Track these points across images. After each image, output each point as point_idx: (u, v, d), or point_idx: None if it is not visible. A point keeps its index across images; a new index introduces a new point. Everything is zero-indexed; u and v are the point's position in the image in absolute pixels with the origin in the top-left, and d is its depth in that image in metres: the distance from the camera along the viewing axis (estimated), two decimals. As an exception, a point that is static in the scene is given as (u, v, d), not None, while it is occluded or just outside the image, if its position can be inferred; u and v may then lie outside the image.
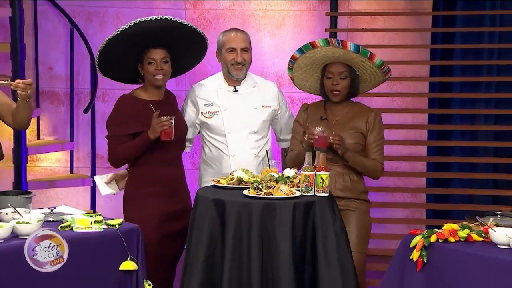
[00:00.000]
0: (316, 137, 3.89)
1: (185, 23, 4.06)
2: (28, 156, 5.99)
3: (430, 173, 6.17)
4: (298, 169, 3.94)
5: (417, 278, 3.25)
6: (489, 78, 5.99)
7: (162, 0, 6.64)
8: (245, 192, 3.66)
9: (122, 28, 3.95)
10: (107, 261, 3.38)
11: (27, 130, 5.68)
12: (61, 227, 3.33)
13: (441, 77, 6.16)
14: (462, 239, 3.21)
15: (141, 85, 4.19)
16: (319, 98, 4.30)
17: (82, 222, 3.39)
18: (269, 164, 4.10)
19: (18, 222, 3.19)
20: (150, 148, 4.01)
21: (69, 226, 3.36)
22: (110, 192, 4.25)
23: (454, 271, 3.13)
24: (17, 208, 3.37)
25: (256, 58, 6.10)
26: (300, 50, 4.14)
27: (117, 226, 3.43)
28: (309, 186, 3.66)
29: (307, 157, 3.72)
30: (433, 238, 3.21)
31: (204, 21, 6.63)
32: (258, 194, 3.59)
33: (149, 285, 3.48)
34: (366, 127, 4.11)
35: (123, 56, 4.08)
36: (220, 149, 4.36)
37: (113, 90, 6.40)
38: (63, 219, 3.48)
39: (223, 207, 3.56)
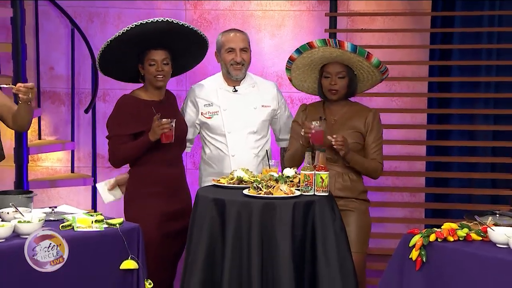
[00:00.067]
0: (313, 131, 3.91)
1: (186, 25, 4.06)
2: (30, 156, 6.01)
3: (429, 173, 6.18)
4: (297, 169, 3.95)
5: (416, 277, 3.25)
6: (488, 78, 5.99)
7: (163, 0, 6.65)
8: (245, 191, 3.65)
9: (124, 30, 3.95)
10: (108, 260, 3.36)
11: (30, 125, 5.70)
12: (62, 226, 3.33)
13: (440, 77, 6.17)
14: (461, 238, 3.21)
15: (142, 85, 4.20)
16: (318, 98, 4.30)
17: (83, 221, 3.38)
18: (269, 164, 4.10)
19: (19, 222, 3.19)
20: (150, 148, 4.01)
21: (70, 225, 3.36)
22: (112, 199, 4.26)
23: (453, 270, 3.13)
24: (18, 208, 3.36)
25: (256, 58, 6.13)
26: (298, 51, 4.14)
27: (117, 225, 3.42)
28: (308, 185, 3.66)
29: (307, 156, 3.73)
30: (432, 238, 3.21)
31: (205, 21, 6.64)
32: (258, 194, 3.59)
33: (149, 284, 3.48)
34: (364, 126, 4.12)
35: (124, 56, 4.09)
36: (220, 149, 4.37)
37: (114, 90, 6.42)
38: (64, 219, 3.47)
39: (223, 206, 3.55)
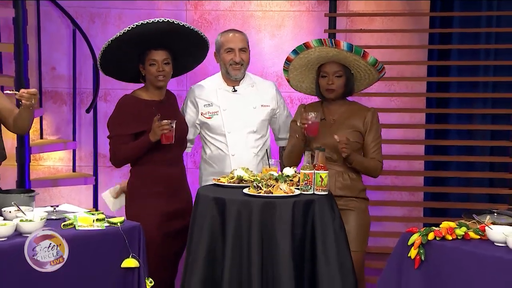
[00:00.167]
0: (310, 122, 3.93)
1: (186, 26, 4.07)
2: (31, 155, 6.03)
3: (427, 172, 6.19)
4: (297, 168, 3.96)
5: (415, 275, 3.26)
6: (486, 78, 6.01)
7: (163, 1, 6.67)
8: (245, 190, 3.66)
9: (125, 30, 3.96)
10: (109, 258, 3.36)
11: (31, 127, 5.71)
12: (63, 225, 3.32)
13: (438, 77, 6.18)
14: (459, 237, 3.21)
15: (142, 85, 4.21)
16: (317, 98, 4.29)
17: (85, 220, 3.37)
18: (269, 163, 4.12)
19: (21, 220, 3.18)
20: (151, 148, 4.02)
21: (71, 224, 3.35)
22: (119, 206, 4.25)
23: (451, 268, 3.13)
24: (20, 207, 3.35)
25: (256, 58, 6.16)
26: (295, 52, 4.15)
27: (119, 224, 3.41)
28: (308, 184, 3.67)
29: (307, 156, 3.74)
30: (431, 236, 3.22)
31: (205, 22, 6.65)
32: (258, 193, 3.60)
33: (150, 282, 3.47)
34: (363, 126, 4.12)
35: (125, 56, 4.09)
36: (220, 149, 4.38)
37: (115, 90, 6.43)
38: (65, 217, 3.47)
39: (224, 205, 3.56)
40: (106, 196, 4.27)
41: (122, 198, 4.25)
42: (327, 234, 3.57)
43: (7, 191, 3.63)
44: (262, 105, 4.44)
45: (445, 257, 3.17)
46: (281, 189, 3.63)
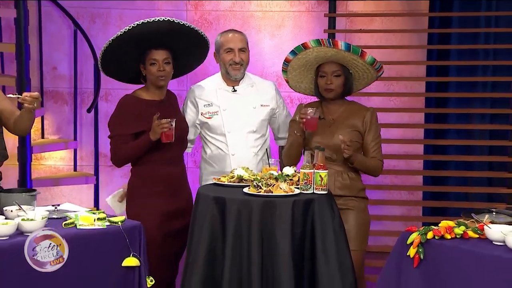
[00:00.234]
0: (309, 117, 3.94)
1: (187, 25, 4.08)
2: (33, 155, 6.03)
3: (426, 171, 6.19)
4: (296, 165, 3.98)
5: (414, 274, 3.27)
6: (484, 78, 6.00)
7: (164, 1, 6.68)
8: (245, 190, 3.68)
9: (126, 29, 3.96)
10: (110, 257, 3.37)
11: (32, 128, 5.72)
12: (65, 224, 3.34)
13: (437, 77, 6.17)
14: (458, 236, 3.22)
15: (143, 85, 4.21)
16: (317, 98, 4.31)
17: (86, 219, 3.38)
18: (268, 163, 4.13)
19: (23, 219, 3.20)
20: (151, 148, 4.03)
21: (72, 223, 3.37)
22: (124, 209, 4.23)
23: (450, 267, 3.14)
24: (22, 206, 3.36)
25: (256, 58, 6.18)
26: (293, 52, 4.16)
27: (119, 223, 3.42)
28: (308, 184, 3.68)
29: (306, 155, 3.76)
30: (430, 235, 3.23)
31: (205, 22, 6.66)
32: (258, 192, 3.61)
33: (151, 281, 3.48)
34: (362, 125, 4.13)
35: (125, 55, 4.10)
36: (220, 148, 4.40)
37: (116, 90, 6.45)
38: (67, 216, 3.48)
39: (224, 204, 3.57)
40: (110, 200, 4.27)
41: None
42: (326, 233, 3.58)
43: (9, 190, 3.63)
44: (261, 105, 4.45)
45: (444, 256, 3.18)
46: (281, 188, 3.64)
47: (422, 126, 6.24)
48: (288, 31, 6.63)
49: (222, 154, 4.40)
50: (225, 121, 4.39)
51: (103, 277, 3.37)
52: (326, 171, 3.70)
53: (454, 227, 3.25)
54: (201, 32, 4.20)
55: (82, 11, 6.64)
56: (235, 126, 4.39)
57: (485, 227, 3.19)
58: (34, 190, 3.62)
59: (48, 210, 3.56)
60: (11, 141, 5.50)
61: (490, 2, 6.02)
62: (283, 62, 4.27)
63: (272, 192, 3.61)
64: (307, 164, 3.71)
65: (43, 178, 6.40)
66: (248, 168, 4.00)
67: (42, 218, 3.24)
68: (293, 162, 4.15)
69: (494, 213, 3.52)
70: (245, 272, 3.50)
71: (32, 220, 3.22)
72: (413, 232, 3.30)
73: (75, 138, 6.66)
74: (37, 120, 6.44)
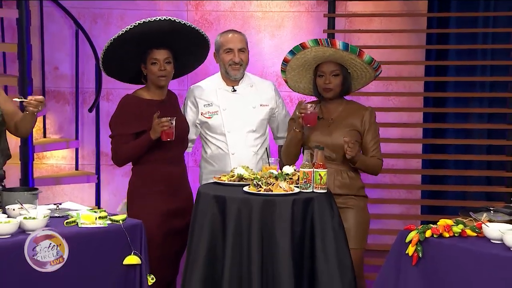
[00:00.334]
0: (308, 111, 3.96)
1: (188, 24, 4.09)
2: (35, 154, 6.03)
3: (425, 170, 6.20)
4: (295, 164, 4.00)
5: (413, 272, 3.28)
6: (483, 78, 6.00)
7: (164, 1, 6.70)
8: (245, 188, 3.69)
9: (127, 28, 3.97)
10: (111, 255, 3.38)
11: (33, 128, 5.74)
12: (66, 222, 3.35)
13: (436, 77, 6.18)
14: (456, 234, 3.23)
15: (144, 85, 4.22)
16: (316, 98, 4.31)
17: (87, 217, 3.39)
18: (268, 162, 4.14)
19: (25, 218, 3.20)
20: (152, 147, 4.04)
21: (74, 221, 3.38)
22: None
23: (448, 265, 3.15)
24: (24, 204, 3.36)
25: (256, 58, 6.20)
26: (292, 52, 4.17)
27: (121, 221, 3.43)
28: (307, 182, 3.69)
29: (306, 154, 3.78)
30: (428, 233, 3.24)
31: (206, 22, 6.66)
32: (258, 191, 3.62)
33: (152, 279, 3.49)
34: (361, 125, 4.14)
35: (126, 55, 4.10)
36: (220, 148, 4.42)
37: (117, 89, 6.45)
38: (68, 215, 3.48)
39: (224, 203, 3.58)
40: (121, 208, 4.27)
41: None
42: (326, 232, 3.59)
43: (11, 189, 3.64)
44: (261, 105, 4.48)
45: (442, 254, 3.19)
46: (280, 187, 3.65)
47: (421, 125, 6.25)
48: (288, 31, 6.64)
49: (222, 154, 4.42)
50: (225, 121, 4.41)
51: (104, 276, 3.37)
52: (326, 170, 3.71)
53: (452, 225, 3.26)
54: (202, 32, 4.21)
55: (83, 11, 6.65)
56: (235, 126, 4.41)
57: (483, 225, 3.20)
58: (36, 189, 3.62)
59: (50, 209, 3.57)
60: (14, 141, 5.47)
61: (488, 2, 6.02)
62: (282, 62, 4.28)
63: (272, 191, 3.63)
64: (307, 163, 3.73)
65: (45, 177, 6.43)
66: (248, 167, 4.02)
67: (44, 217, 3.25)
68: (291, 160, 4.16)
69: (492, 211, 3.52)
70: (245, 271, 3.52)
71: (34, 218, 3.22)
72: (411, 231, 3.31)
73: (76, 138, 6.68)
74: (39, 120, 6.43)
